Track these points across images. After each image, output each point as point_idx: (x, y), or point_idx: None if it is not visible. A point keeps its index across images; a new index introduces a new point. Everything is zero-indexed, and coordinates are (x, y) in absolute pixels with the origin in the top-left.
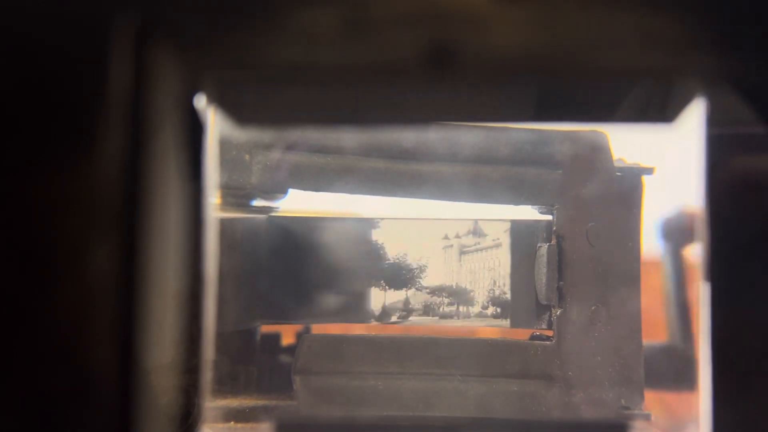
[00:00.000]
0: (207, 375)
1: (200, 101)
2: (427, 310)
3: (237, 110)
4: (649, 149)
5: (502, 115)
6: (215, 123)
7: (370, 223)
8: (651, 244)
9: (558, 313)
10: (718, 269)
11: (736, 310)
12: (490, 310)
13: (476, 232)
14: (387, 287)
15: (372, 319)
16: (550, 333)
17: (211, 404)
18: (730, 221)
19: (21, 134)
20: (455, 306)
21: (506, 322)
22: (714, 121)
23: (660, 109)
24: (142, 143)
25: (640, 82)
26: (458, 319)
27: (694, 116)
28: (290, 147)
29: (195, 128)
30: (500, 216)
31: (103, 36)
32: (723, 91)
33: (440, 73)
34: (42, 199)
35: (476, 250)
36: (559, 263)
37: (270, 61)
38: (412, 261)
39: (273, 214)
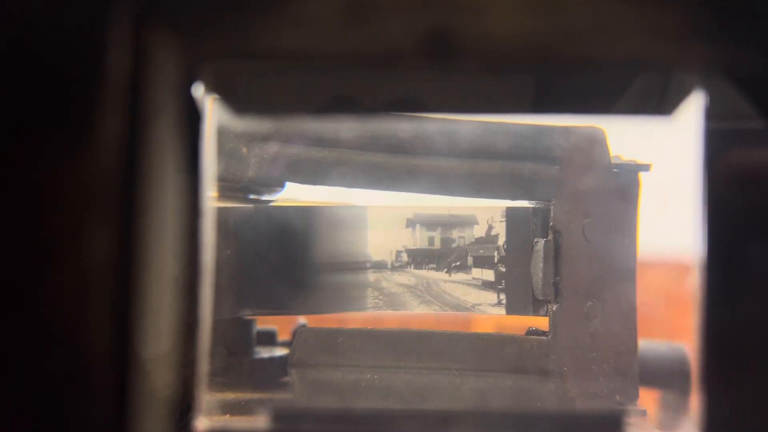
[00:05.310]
0: (203, 366)
1: (198, 90)
2: (420, 295)
3: (235, 100)
4: (646, 142)
5: (500, 107)
6: (213, 113)
7: (363, 211)
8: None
9: (554, 308)
10: (714, 263)
11: (733, 305)
12: (487, 296)
13: (472, 219)
14: (382, 274)
15: (367, 308)
16: (545, 327)
17: (207, 396)
18: (727, 215)
19: (18, 121)
20: (449, 291)
21: (502, 310)
22: (712, 115)
23: (658, 101)
24: (140, 131)
25: (639, 74)
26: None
27: (693, 109)
28: (287, 139)
29: (193, 117)
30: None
31: (101, 23)
32: (722, 83)
33: (438, 62)
34: (38, 186)
35: (472, 236)
36: (556, 258)
37: (269, 50)
38: (408, 248)
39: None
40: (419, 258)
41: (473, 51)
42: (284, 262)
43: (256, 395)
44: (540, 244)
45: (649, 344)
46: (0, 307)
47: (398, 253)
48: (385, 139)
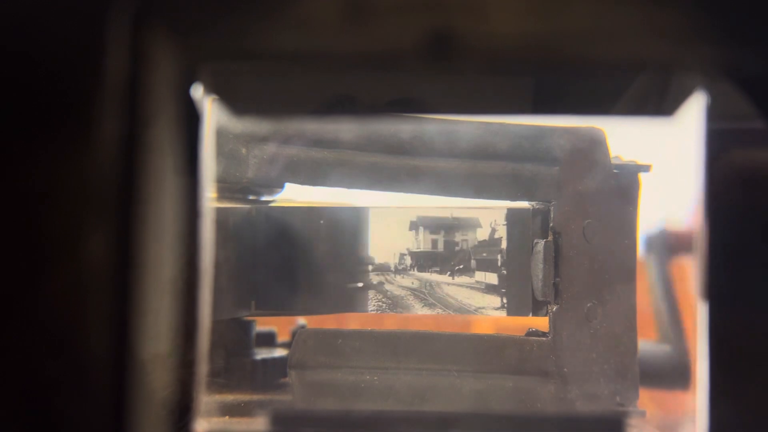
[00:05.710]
0: (202, 367)
1: (197, 91)
2: (424, 298)
3: (234, 100)
4: (646, 143)
5: (500, 107)
6: (212, 113)
7: (365, 212)
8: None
9: (554, 309)
10: (716, 265)
11: (734, 307)
12: (491, 300)
13: (475, 222)
14: (383, 276)
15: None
16: (545, 328)
17: (205, 397)
18: (728, 216)
19: (16, 122)
20: (452, 294)
21: (502, 311)
22: (713, 115)
23: (659, 102)
24: (138, 132)
25: (639, 74)
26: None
27: (694, 110)
28: (287, 140)
29: (192, 118)
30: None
31: (99, 23)
32: (723, 84)
33: (438, 63)
34: (36, 187)
35: (475, 239)
36: (556, 260)
37: (268, 50)
38: (412, 251)
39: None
40: (422, 261)
41: (473, 51)
42: (284, 263)
43: (255, 396)
44: (540, 245)
45: (649, 344)
46: None
47: (401, 255)
48: (384, 139)
